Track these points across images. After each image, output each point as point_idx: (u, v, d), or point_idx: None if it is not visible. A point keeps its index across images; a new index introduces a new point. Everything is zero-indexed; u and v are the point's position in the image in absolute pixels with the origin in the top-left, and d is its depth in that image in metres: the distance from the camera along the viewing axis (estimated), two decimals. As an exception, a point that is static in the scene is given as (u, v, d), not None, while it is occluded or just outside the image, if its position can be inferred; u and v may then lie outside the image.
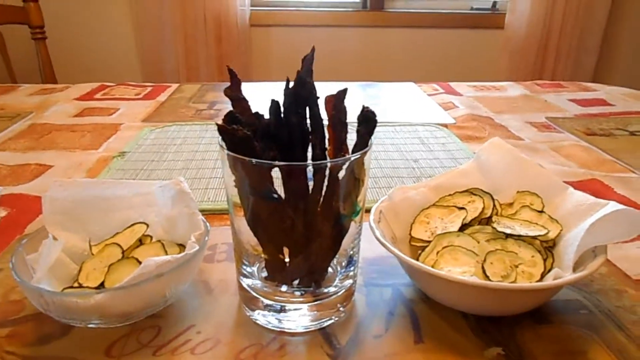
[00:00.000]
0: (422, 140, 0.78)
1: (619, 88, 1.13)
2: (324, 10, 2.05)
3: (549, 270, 0.37)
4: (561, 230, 0.40)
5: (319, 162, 0.36)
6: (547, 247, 0.39)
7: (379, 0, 2.08)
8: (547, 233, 0.39)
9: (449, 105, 0.98)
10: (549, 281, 0.34)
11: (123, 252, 0.40)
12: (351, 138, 0.37)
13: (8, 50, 1.46)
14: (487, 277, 0.36)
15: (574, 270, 0.36)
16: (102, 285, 0.37)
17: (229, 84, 0.38)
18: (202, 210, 0.50)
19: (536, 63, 2.08)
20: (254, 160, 0.33)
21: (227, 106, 0.94)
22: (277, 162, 0.33)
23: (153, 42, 1.92)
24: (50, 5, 1.60)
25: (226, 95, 0.37)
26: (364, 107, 0.36)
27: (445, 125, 0.85)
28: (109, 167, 0.66)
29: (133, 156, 0.69)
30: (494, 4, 2.14)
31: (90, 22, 1.95)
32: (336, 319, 0.38)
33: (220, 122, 0.34)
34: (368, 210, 0.42)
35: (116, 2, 1.94)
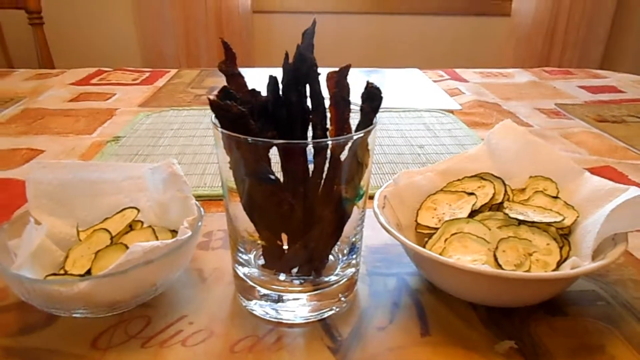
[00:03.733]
0: (428, 126, 0.75)
1: (629, 75, 1.10)
2: (327, -4, 2.02)
3: (565, 259, 0.34)
4: (577, 216, 0.38)
5: (319, 140, 0.33)
6: (563, 235, 0.37)
7: (383, -13, 2.04)
8: (562, 220, 0.37)
9: (454, 92, 0.95)
10: (566, 270, 0.32)
11: (112, 238, 0.38)
12: (353, 122, 0.34)
13: (5, 35, 1.44)
14: (499, 266, 0.33)
15: (593, 259, 0.33)
16: (89, 272, 0.35)
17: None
18: (198, 196, 0.48)
19: (543, 51, 2.04)
20: (249, 138, 0.30)
21: (226, 92, 0.92)
22: (274, 141, 0.31)
23: (153, 29, 1.89)
24: (47, -10, 1.57)
25: (220, 69, 0.35)
26: (368, 83, 0.33)
27: (451, 111, 0.83)
28: (102, 151, 0.63)
29: (128, 141, 0.67)
30: (501, -10, 2.11)
31: (89, 7, 1.92)
32: (337, 309, 0.36)
33: (212, 97, 0.32)
34: (371, 197, 0.40)
35: (115, -13, 1.91)
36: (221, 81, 1.06)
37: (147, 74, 1.05)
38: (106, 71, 1.07)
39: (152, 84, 0.98)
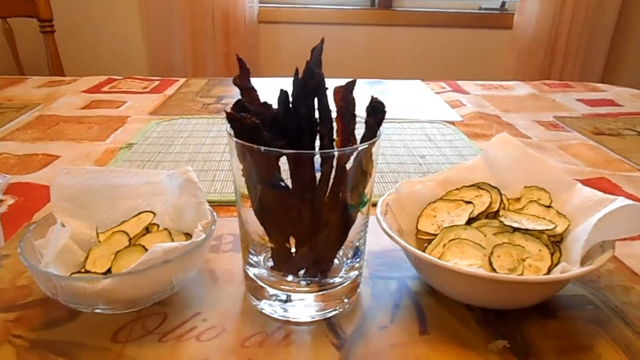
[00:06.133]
0: (429, 137, 0.78)
1: (627, 89, 1.13)
2: (333, 7, 2.06)
3: (556, 265, 0.36)
4: (569, 225, 0.40)
5: (326, 151, 0.36)
6: (555, 242, 0.39)
7: (387, -1, 2.08)
8: (554, 227, 0.39)
9: (456, 103, 0.98)
10: (556, 274, 0.34)
11: (130, 239, 0.40)
12: (359, 133, 0.37)
13: (17, 43, 1.47)
14: (493, 270, 0.36)
15: (582, 265, 0.36)
16: (108, 271, 0.37)
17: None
18: (208, 202, 0.50)
19: (544, 63, 2.07)
20: (262, 147, 0.33)
21: (234, 101, 0.94)
22: (284, 150, 0.33)
23: (161, 38, 1.93)
24: (59, -1, 1.61)
25: (235, 84, 0.37)
26: (372, 98, 0.36)
27: (453, 123, 0.85)
28: (116, 158, 0.66)
29: (140, 148, 0.70)
30: (503, 4, 2.14)
31: (99, 16, 1.96)
32: (340, 310, 0.38)
33: (229, 110, 0.34)
34: (375, 204, 0.42)
35: (125, -3, 1.95)
36: (228, 90, 1.08)
37: (157, 83, 1.08)
38: (116, 79, 1.09)
39: (162, 92, 1.00)
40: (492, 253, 0.37)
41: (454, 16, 2.10)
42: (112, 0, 1.95)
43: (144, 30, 1.97)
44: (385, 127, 0.77)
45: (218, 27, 1.90)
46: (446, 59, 2.13)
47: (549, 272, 0.36)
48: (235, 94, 1.00)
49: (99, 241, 0.41)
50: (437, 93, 1.06)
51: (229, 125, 0.35)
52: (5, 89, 0.99)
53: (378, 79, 1.17)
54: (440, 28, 2.10)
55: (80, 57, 1.93)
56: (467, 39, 2.11)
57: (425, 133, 0.79)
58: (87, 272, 0.38)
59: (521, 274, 0.36)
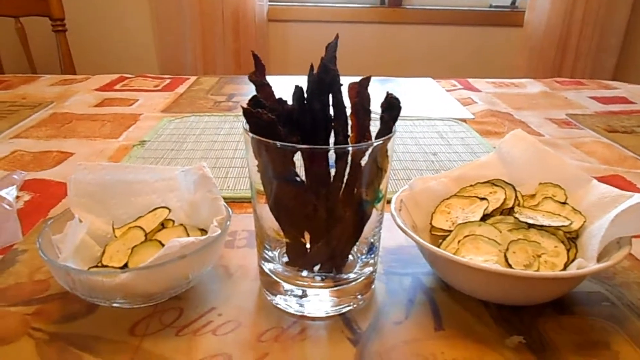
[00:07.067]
0: (441, 134, 0.77)
1: (640, 86, 1.11)
2: (342, 6, 2.06)
3: (572, 261, 0.36)
4: (585, 221, 0.40)
5: (341, 146, 0.36)
6: (571, 239, 0.39)
7: (396, -3, 2.07)
8: (570, 224, 0.39)
9: (467, 101, 0.97)
10: (572, 270, 0.34)
11: (146, 235, 0.40)
12: (373, 130, 0.37)
13: (29, 42, 1.49)
14: (509, 266, 0.35)
15: (598, 261, 0.35)
16: (125, 266, 0.38)
17: (247, 77, 0.38)
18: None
19: (555, 62, 2.05)
20: (278, 143, 0.33)
21: (245, 98, 0.95)
22: (302, 146, 0.33)
23: (171, 37, 1.94)
24: (71, -1, 1.62)
25: (251, 80, 0.37)
26: (388, 94, 0.36)
27: (464, 120, 0.85)
28: (129, 155, 0.67)
29: (153, 145, 0.70)
30: (513, 1, 2.12)
31: (110, 15, 1.98)
32: (355, 305, 0.38)
33: (245, 106, 0.34)
34: (389, 201, 0.42)
35: (135, -4, 1.96)
36: (239, 88, 1.09)
37: (168, 81, 1.08)
38: (128, 77, 1.10)
39: (173, 90, 1.01)
40: (507, 249, 0.37)
41: (464, 14, 2.09)
42: (122, -1, 1.96)
43: (154, 29, 1.98)
44: (397, 125, 0.77)
45: (228, 25, 1.90)
46: (456, 57, 2.12)
47: (565, 268, 0.36)
48: (246, 91, 1.01)
49: (115, 236, 0.41)
50: (448, 91, 1.05)
51: (245, 121, 0.35)
52: (19, 87, 1.00)
53: (388, 77, 1.17)
54: (450, 26, 2.09)
55: (91, 55, 1.95)
56: (477, 37, 2.10)
57: (437, 130, 0.79)
58: (104, 266, 0.38)
59: (537, 270, 0.36)
